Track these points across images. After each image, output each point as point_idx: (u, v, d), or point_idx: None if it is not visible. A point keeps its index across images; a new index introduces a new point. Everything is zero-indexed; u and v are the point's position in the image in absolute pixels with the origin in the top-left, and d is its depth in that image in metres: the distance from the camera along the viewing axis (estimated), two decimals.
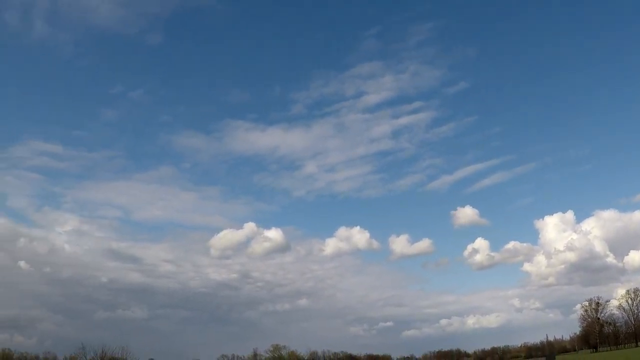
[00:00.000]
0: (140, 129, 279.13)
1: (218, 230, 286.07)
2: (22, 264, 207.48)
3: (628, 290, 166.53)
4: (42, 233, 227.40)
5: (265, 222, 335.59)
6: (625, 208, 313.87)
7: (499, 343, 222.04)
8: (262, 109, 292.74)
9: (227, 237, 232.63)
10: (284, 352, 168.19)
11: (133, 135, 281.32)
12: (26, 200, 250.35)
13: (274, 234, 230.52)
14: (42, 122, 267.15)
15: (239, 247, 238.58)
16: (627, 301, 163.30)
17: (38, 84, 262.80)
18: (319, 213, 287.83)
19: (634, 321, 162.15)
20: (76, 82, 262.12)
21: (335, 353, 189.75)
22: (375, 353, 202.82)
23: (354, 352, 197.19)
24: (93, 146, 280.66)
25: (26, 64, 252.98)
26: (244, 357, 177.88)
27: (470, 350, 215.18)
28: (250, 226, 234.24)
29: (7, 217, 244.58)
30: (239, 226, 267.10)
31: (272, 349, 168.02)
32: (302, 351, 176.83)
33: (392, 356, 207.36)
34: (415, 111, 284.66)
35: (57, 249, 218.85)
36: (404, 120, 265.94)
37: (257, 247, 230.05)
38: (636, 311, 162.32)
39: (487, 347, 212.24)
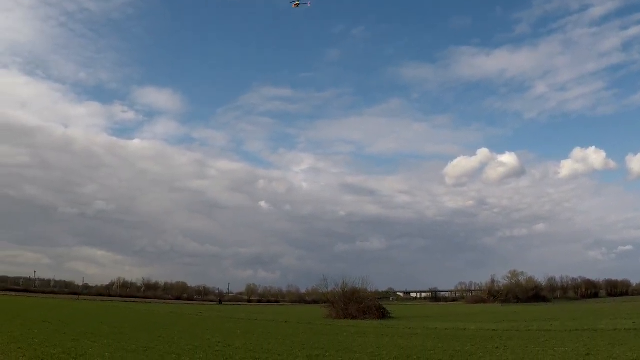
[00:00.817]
0: (365, 65, 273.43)
1: (451, 158, 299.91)
2: (262, 204, 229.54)
3: None
4: (280, 174, 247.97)
5: (498, 147, 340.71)
6: None
7: None
8: (485, 32, 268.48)
9: (461, 164, 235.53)
10: (521, 279, 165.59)
11: (359, 72, 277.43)
12: (262, 143, 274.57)
13: (508, 159, 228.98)
14: (270, 68, 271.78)
15: (474, 174, 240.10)
16: None
17: (262, 32, 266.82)
18: (552, 134, 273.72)
19: None
20: (298, 26, 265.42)
21: (573, 279, 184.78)
22: (614, 278, 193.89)
23: (592, 277, 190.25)
24: (321, 86, 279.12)
25: (246, 14, 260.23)
26: (481, 283, 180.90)
27: None
28: (483, 152, 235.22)
29: (245, 161, 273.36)
30: (472, 153, 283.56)
31: (509, 275, 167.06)
32: (539, 277, 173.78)
33: (631, 281, 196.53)
34: None
35: (295, 188, 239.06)
36: (633, 31, 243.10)
37: (492, 172, 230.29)
38: None
39: None
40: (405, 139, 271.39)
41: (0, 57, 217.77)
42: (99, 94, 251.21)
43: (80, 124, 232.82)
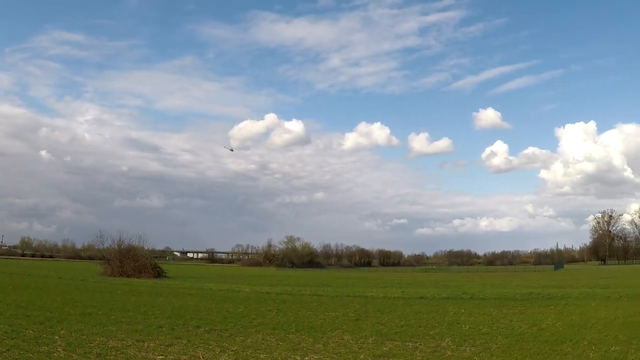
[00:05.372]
0: (164, 18, 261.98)
1: (239, 120, 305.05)
2: (43, 153, 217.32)
3: None
4: (64, 122, 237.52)
5: (286, 114, 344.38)
6: None
7: (510, 247, 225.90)
8: (289, 0, 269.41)
9: (247, 127, 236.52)
10: (297, 244, 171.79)
11: (157, 24, 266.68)
12: (48, 90, 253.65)
13: (295, 126, 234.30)
14: (64, 11, 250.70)
15: (259, 139, 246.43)
16: (639, 217, 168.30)
17: None
18: (341, 107, 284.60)
19: None
20: None
21: (347, 247, 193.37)
22: (387, 249, 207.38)
23: (367, 246, 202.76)
24: (115, 35, 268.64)
25: None
26: (258, 247, 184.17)
27: (480, 252, 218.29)
28: (271, 117, 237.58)
29: (28, 107, 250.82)
30: (260, 117, 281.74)
31: (286, 240, 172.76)
32: (315, 243, 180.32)
33: (403, 252, 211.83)
34: (445, 9, 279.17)
35: (77, 138, 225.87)
36: (432, 18, 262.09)
37: (277, 139, 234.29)
38: None
39: (498, 250, 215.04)
40: (195, 98, 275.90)
41: None
42: None
43: None
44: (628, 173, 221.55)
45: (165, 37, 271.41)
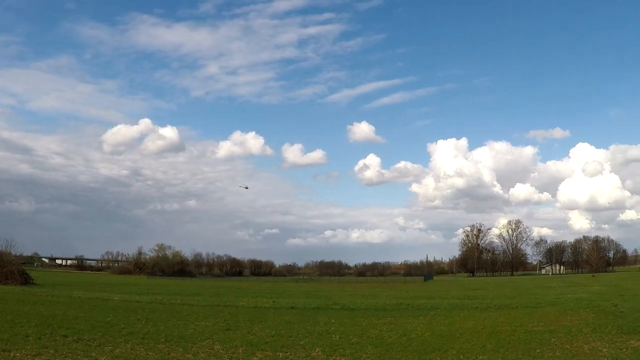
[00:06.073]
0: (42, 16, 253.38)
1: (113, 124, 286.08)
2: None
3: (510, 221, 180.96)
4: None
5: (161, 120, 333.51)
6: (517, 142, 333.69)
7: (381, 259, 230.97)
8: (170, 5, 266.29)
9: (121, 132, 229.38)
10: (168, 252, 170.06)
11: (34, 21, 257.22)
12: None
13: (169, 133, 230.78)
14: None
15: (132, 144, 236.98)
16: (507, 231, 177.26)
17: None
18: (216, 115, 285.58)
19: (512, 251, 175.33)
20: None
21: (219, 256, 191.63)
22: (259, 258, 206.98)
23: (239, 256, 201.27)
24: None
25: None
26: (128, 254, 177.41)
27: (351, 263, 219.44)
28: (145, 123, 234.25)
29: None
30: (134, 122, 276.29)
31: (157, 248, 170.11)
32: (187, 252, 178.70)
33: (275, 262, 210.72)
34: (325, 22, 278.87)
35: None
36: (312, 30, 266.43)
37: (151, 144, 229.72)
38: (515, 241, 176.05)
39: (369, 261, 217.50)
40: (69, 99, 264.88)
41: None
42: None
43: None
44: (497, 189, 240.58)
45: (43, 35, 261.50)
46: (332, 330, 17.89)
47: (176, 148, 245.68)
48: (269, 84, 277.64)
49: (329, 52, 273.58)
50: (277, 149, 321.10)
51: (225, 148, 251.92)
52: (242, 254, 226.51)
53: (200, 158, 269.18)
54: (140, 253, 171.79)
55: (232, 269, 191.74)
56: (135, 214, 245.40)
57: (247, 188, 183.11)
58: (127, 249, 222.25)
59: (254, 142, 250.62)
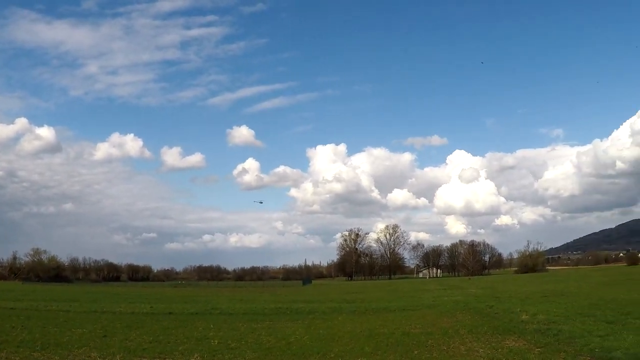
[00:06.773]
0: None
1: None
2: None
3: (387, 226, 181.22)
4: None
5: (38, 120, 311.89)
6: (395, 148, 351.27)
7: (259, 263, 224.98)
8: (52, 0, 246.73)
9: None
10: (44, 257, 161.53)
11: None
12: None
13: (46, 133, 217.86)
14: None
15: (8, 144, 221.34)
16: (385, 235, 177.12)
17: None
18: (95, 116, 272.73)
19: (390, 255, 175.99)
20: None
21: (96, 261, 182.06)
22: (136, 263, 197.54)
23: (116, 261, 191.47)
24: None
25: None
26: (2, 259, 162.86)
27: (230, 268, 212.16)
28: (21, 122, 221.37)
29: None
30: (10, 121, 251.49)
31: (32, 252, 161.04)
32: (63, 257, 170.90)
33: (152, 267, 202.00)
34: (208, 25, 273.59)
35: None
36: (195, 32, 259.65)
37: (27, 145, 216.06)
38: (392, 245, 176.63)
39: (247, 266, 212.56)
40: None
41: None
42: None
43: None
44: (375, 194, 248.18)
45: None
46: (210, 335, 17.87)
47: (53, 149, 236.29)
48: (149, 85, 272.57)
49: (211, 54, 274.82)
50: (155, 151, 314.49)
51: (103, 150, 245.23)
52: (120, 259, 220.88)
53: (77, 159, 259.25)
54: (15, 258, 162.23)
55: (110, 274, 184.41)
56: (10, 216, 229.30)
57: (261, 203, 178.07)
58: (1, 253, 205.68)
59: (132, 144, 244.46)
